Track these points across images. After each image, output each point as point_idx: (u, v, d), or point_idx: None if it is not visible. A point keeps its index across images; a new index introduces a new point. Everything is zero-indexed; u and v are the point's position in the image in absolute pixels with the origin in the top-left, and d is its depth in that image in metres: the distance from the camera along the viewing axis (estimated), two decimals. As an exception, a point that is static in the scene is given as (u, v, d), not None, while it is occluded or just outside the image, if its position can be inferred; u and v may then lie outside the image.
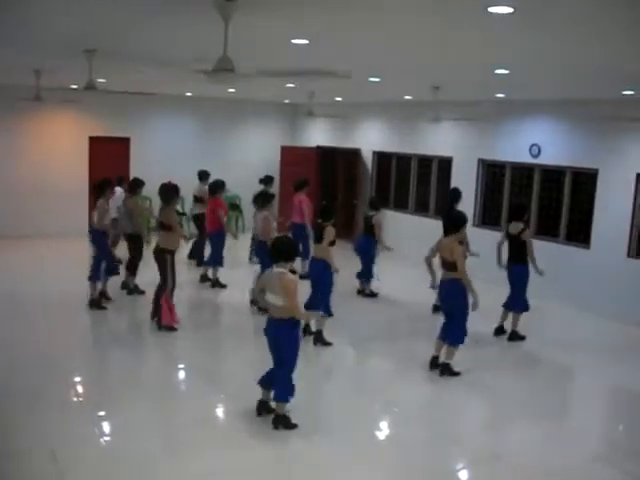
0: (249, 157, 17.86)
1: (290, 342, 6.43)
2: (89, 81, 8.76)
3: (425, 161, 15.12)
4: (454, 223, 8.24)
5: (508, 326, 9.68)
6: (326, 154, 17.64)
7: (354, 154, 16.78)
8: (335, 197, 17.16)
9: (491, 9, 4.61)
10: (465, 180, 13.68)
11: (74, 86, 13.28)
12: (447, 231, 8.40)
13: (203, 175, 13.58)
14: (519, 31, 5.54)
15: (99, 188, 10.56)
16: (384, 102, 15.52)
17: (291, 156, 17.61)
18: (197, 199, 13.38)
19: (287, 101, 17.90)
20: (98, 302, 10.37)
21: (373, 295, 11.85)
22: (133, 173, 16.71)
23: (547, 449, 6.49)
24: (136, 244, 11.12)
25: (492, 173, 13.58)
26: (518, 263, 9.45)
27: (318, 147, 17.76)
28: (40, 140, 15.92)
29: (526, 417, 7.26)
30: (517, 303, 9.61)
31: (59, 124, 16.11)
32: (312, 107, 15.17)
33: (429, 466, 6.08)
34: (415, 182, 15.45)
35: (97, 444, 6.16)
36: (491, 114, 13.16)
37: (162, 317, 9.26)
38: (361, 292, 11.93)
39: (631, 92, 9.69)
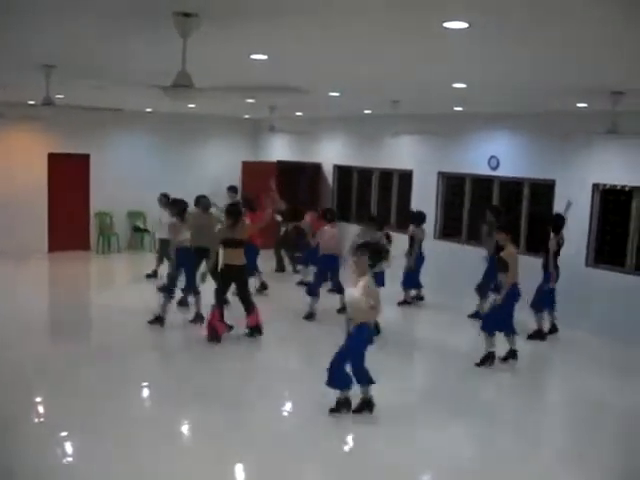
0: (210, 172, 17.78)
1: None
2: (46, 97, 8.67)
3: (386, 175, 15.23)
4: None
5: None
6: (287, 169, 17.68)
7: (315, 168, 16.83)
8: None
9: (446, 24, 4.68)
10: (425, 193, 13.85)
11: (32, 102, 13.15)
12: None
13: (232, 190, 13.80)
14: (474, 46, 5.64)
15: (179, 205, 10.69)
16: (345, 116, 15.61)
17: (252, 171, 17.61)
18: None
19: (248, 116, 17.91)
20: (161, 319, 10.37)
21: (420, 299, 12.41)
22: (93, 190, 16.63)
23: (509, 456, 6.58)
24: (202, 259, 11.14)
25: (452, 185, 13.74)
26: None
27: (279, 162, 17.79)
28: (-3, 157, 15.69)
29: (490, 425, 7.32)
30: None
31: (17, 140, 15.83)
32: (273, 122, 15.21)
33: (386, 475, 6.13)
34: (376, 196, 15.55)
35: (58, 465, 6.09)
36: (450, 127, 13.31)
37: (257, 319, 9.87)
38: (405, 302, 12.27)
39: (585, 105, 9.90)
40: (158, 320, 10.31)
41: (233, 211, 9.81)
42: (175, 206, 10.75)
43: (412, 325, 11.85)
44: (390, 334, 10.05)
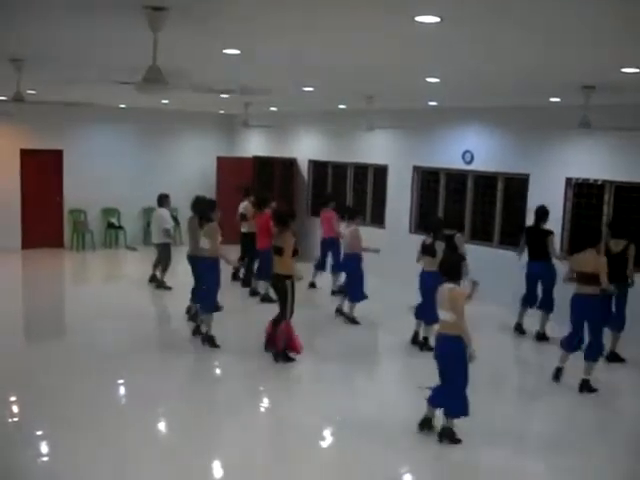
0: (185, 168, 17.77)
1: (458, 358, 6.38)
2: (17, 93, 8.56)
3: (361, 169, 15.25)
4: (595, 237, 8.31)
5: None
6: (262, 164, 17.64)
7: (290, 163, 16.81)
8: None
9: (418, 18, 4.68)
10: (400, 187, 13.89)
11: (3, 97, 13.00)
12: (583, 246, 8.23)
13: (246, 192, 13.12)
14: (447, 41, 5.65)
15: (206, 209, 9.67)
16: (319, 112, 15.60)
17: (228, 167, 17.57)
18: (242, 217, 12.84)
19: (223, 112, 17.85)
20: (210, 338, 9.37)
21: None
22: (67, 186, 16.48)
23: (474, 445, 6.60)
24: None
25: (427, 180, 13.78)
26: (622, 281, 8.89)
27: (254, 157, 17.75)
28: (-32, 154, 15.48)
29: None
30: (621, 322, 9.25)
31: (-11, 137, 15.69)
32: (248, 117, 15.16)
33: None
34: (351, 190, 15.56)
35: (32, 465, 6.03)
36: (424, 122, 13.36)
37: (278, 346, 8.82)
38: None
39: (557, 99, 9.97)
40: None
41: (278, 218, 9.06)
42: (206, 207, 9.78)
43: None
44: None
